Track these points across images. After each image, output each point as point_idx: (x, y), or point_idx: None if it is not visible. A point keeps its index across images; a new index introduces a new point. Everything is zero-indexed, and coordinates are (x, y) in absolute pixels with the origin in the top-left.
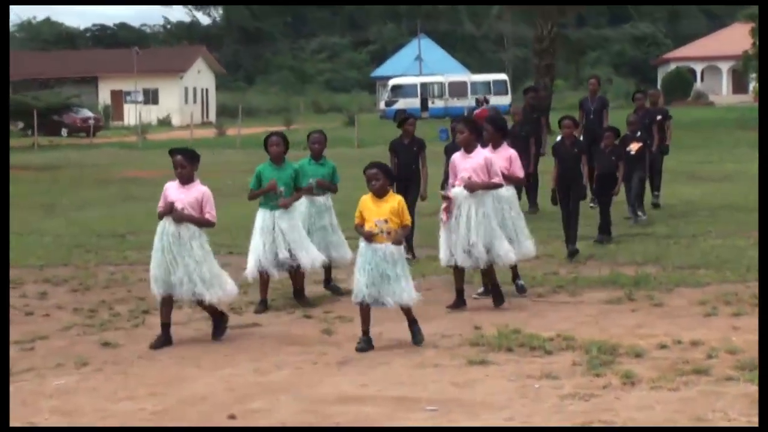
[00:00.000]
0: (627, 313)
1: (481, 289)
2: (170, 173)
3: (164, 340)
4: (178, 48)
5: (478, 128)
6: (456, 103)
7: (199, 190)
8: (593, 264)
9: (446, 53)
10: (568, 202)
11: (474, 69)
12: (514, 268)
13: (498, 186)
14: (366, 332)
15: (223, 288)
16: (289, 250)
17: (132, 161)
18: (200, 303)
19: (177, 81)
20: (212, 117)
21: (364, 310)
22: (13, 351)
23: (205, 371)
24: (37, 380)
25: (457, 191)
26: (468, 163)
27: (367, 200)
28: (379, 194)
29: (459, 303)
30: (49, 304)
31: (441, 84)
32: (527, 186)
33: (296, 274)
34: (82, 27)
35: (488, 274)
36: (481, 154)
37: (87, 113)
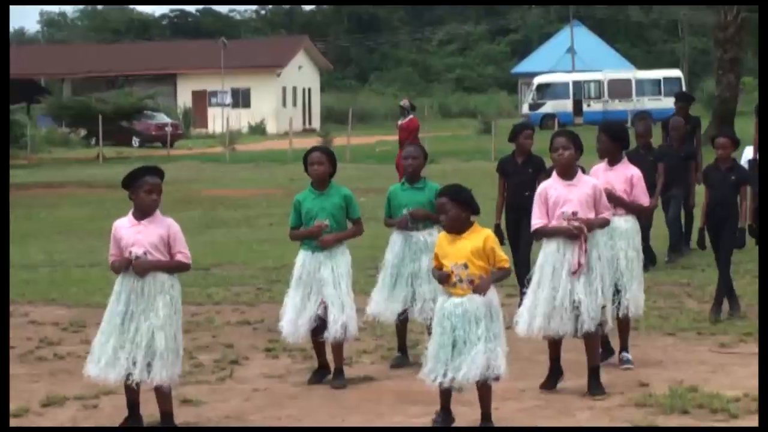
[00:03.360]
0: None
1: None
2: (265, 192)
3: (133, 421)
4: (275, 39)
5: (580, 142)
6: (617, 105)
7: (162, 224)
8: None
9: (605, 44)
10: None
11: (640, 63)
12: (623, 335)
13: (605, 223)
14: (446, 408)
15: (172, 367)
16: (324, 308)
17: (218, 177)
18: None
19: (273, 79)
20: (316, 123)
21: (440, 391)
22: (74, 408)
23: None
24: None
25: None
26: (572, 194)
27: (442, 239)
28: (452, 230)
29: (554, 377)
30: None
31: (599, 82)
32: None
33: (335, 344)
34: (157, 14)
35: (592, 348)
36: (587, 181)
37: (163, 118)
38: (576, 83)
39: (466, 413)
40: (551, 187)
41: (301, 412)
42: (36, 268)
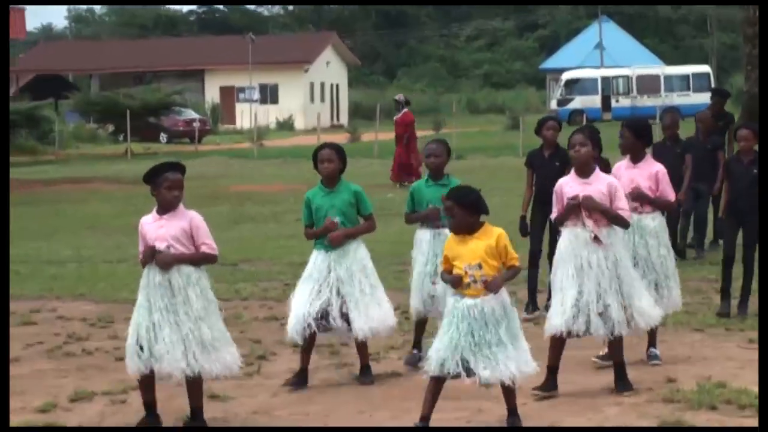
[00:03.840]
0: None
1: (603, 352)
2: (293, 188)
3: (151, 421)
4: (303, 35)
5: (598, 139)
6: (646, 101)
7: (184, 217)
8: None
9: (633, 40)
10: (735, 240)
11: (668, 59)
12: (651, 331)
13: (623, 223)
14: (427, 418)
15: (225, 356)
16: (341, 309)
17: (245, 173)
18: (189, 380)
19: (301, 75)
20: (344, 119)
21: (435, 385)
22: (102, 404)
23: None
24: None
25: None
26: (586, 192)
27: (451, 240)
28: (459, 232)
29: (550, 386)
30: None
31: (627, 78)
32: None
33: (358, 343)
34: (185, 9)
35: (616, 345)
36: (603, 179)
37: (191, 114)
38: (604, 79)
39: (493, 408)
40: (567, 183)
41: (328, 407)
42: (64, 263)
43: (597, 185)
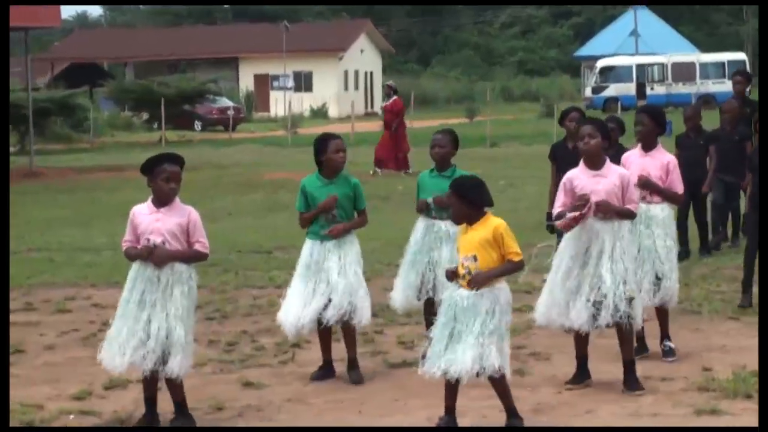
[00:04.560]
0: None
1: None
2: None
3: (150, 419)
4: (337, 22)
5: (607, 131)
6: (681, 89)
7: (182, 212)
8: None
9: (669, 27)
10: (757, 232)
11: (704, 46)
12: (663, 324)
13: (631, 216)
14: (450, 409)
15: (188, 359)
16: (329, 299)
17: (280, 161)
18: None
19: (335, 63)
20: (378, 107)
21: (447, 382)
22: (136, 391)
23: (368, 418)
24: None
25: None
26: (599, 185)
27: (460, 231)
28: (458, 223)
29: (582, 377)
30: None
31: (662, 65)
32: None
33: (345, 334)
34: None
35: (625, 336)
36: (615, 171)
37: (225, 102)
38: (639, 66)
39: (528, 397)
40: (577, 177)
41: (362, 395)
42: (99, 251)
43: (610, 177)
